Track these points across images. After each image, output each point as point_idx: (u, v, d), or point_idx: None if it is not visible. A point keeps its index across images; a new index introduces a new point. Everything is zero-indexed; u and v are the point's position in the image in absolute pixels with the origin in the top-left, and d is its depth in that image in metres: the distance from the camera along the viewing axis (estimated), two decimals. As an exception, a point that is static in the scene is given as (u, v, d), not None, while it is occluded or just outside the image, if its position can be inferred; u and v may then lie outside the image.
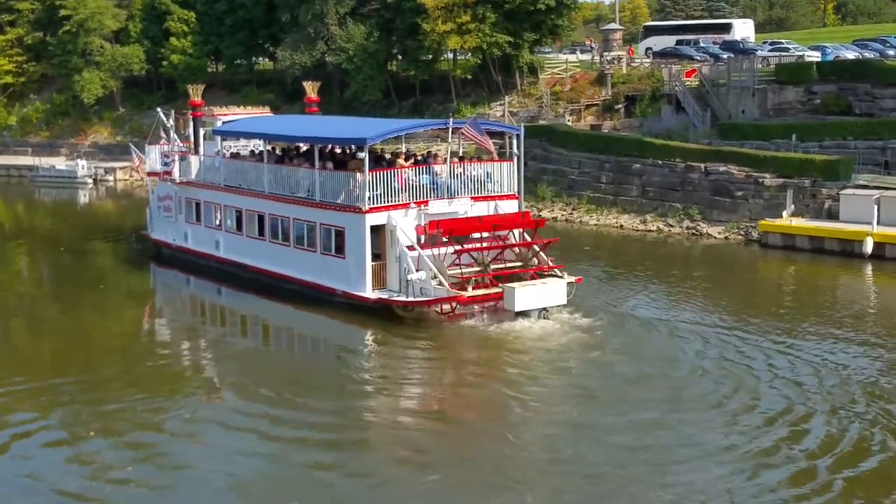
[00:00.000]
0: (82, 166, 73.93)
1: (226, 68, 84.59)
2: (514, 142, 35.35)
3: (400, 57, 72.43)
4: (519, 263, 33.01)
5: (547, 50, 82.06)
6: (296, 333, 33.24)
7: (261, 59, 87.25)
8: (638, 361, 27.30)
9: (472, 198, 34.23)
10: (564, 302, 31.77)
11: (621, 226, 49.01)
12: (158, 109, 48.40)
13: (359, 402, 25.02)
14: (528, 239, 33.52)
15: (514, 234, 33.86)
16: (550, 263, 32.85)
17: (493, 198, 34.66)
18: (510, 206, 34.72)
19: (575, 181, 53.53)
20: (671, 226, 47.38)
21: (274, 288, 36.32)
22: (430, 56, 67.10)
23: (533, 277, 32.18)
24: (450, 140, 35.18)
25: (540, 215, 50.36)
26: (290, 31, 72.96)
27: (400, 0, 66.24)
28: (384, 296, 32.61)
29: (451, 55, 69.86)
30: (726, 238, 44.92)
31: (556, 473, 20.18)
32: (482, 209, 34.05)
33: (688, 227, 46.74)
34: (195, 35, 78.77)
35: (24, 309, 36.44)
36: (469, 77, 68.54)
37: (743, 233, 44.78)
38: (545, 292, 31.29)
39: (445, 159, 35.46)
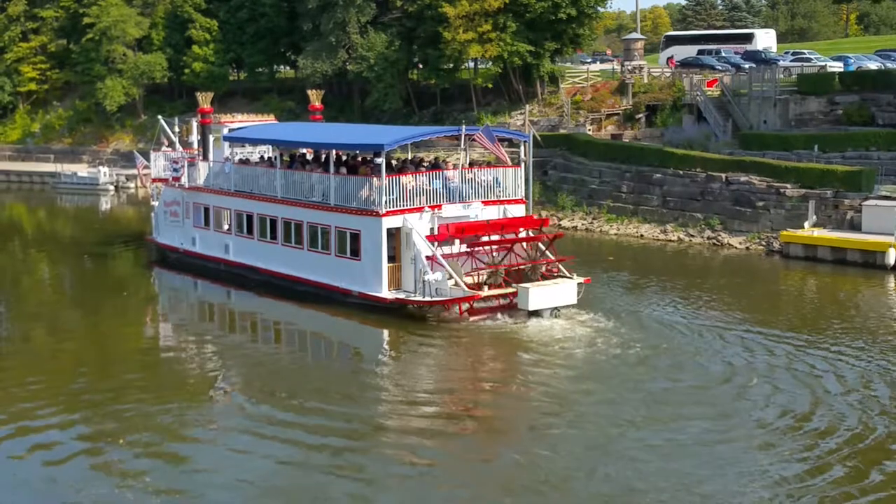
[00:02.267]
0: (104, 173, 74.39)
1: (247, 76, 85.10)
2: (523, 148, 37.37)
3: (421, 66, 72.62)
4: (529, 264, 34.08)
5: (588, 59, 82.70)
6: (315, 336, 33.38)
7: (282, 67, 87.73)
8: (670, 374, 26.97)
9: (483, 202, 35.32)
10: (575, 302, 32.84)
11: (641, 235, 48.88)
12: (160, 117, 49.48)
13: (379, 408, 25.03)
14: (542, 245, 34.59)
15: (523, 235, 34.89)
16: (560, 266, 33.91)
17: (502, 202, 35.88)
18: (518, 211, 36.12)
19: (595, 190, 53.46)
20: (692, 236, 47.21)
21: (287, 290, 36.90)
22: (451, 65, 67.18)
23: (544, 278, 33.29)
24: (462, 146, 36.42)
25: (560, 224, 50.84)
26: (311, 40, 73.25)
27: (421, 9, 66.39)
28: (401, 296, 33.47)
29: (471, 64, 69.96)
30: (747, 248, 44.71)
31: (582, 499, 19.78)
32: (492, 213, 35.25)
33: (708, 238, 46.56)
34: (217, 43, 79.27)
35: (46, 314, 36.64)
36: (490, 86, 68.63)
37: (764, 243, 44.56)
38: (557, 292, 32.45)
39: (456, 165, 36.73)
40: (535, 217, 37.46)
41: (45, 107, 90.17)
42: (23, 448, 22.28)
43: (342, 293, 34.87)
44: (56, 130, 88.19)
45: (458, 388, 26.76)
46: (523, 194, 36.64)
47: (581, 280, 33.31)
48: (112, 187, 74.03)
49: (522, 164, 37.00)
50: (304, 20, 73.30)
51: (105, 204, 69.53)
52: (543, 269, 33.86)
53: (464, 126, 36.11)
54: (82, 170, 77.44)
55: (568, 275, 33.45)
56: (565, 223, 51.99)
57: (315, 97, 46.03)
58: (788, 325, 31.99)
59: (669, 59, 74.42)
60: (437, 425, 23.60)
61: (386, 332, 32.41)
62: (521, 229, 34.81)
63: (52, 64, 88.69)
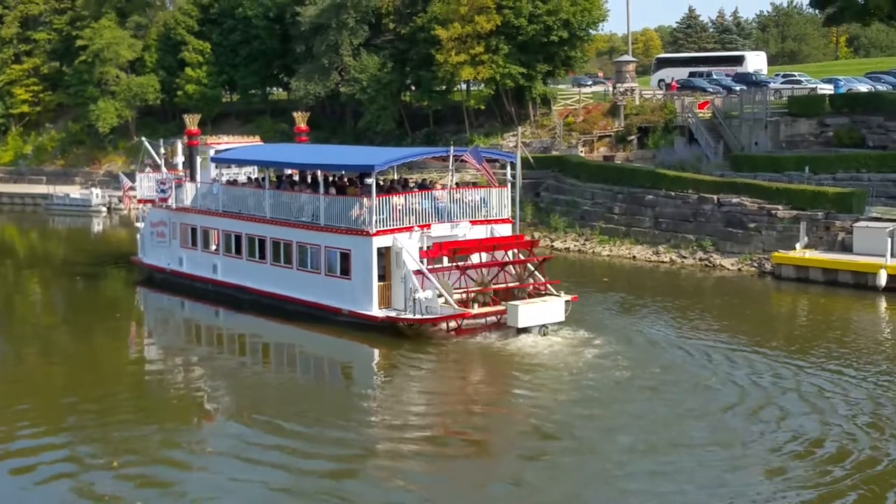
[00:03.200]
0: (96, 195, 74.29)
1: (240, 98, 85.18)
2: (509, 169, 38.25)
3: (413, 87, 72.79)
4: (516, 283, 34.70)
5: (589, 81, 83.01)
6: (307, 355, 33.55)
7: (275, 89, 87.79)
8: (670, 396, 26.82)
9: (470, 221, 35.96)
10: (563, 319, 33.25)
11: (634, 257, 48.94)
12: (143, 139, 50.20)
13: (371, 431, 24.98)
14: (531, 266, 35.16)
15: (509, 255, 35.48)
16: (544, 280, 34.46)
17: (489, 221, 36.48)
18: (505, 230, 36.65)
19: (588, 212, 53.55)
20: (684, 257, 47.28)
21: (276, 309, 37.11)
22: (444, 87, 67.45)
23: (531, 296, 33.87)
24: (450, 167, 36.95)
25: (552, 246, 51.15)
26: (304, 62, 73.43)
27: (414, 31, 66.66)
28: (391, 314, 33.71)
29: (464, 86, 70.14)
30: (739, 270, 44.77)
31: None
32: (480, 232, 35.87)
33: (701, 259, 46.64)
34: (210, 65, 79.39)
35: (38, 335, 36.59)
36: (482, 108, 68.80)
37: (756, 265, 44.63)
38: (545, 310, 32.90)
39: (444, 185, 37.44)
40: (526, 238, 37.85)
41: (38, 129, 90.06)
42: (11, 470, 22.12)
43: (332, 312, 35.20)
44: (48, 152, 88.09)
45: (451, 410, 26.66)
46: (510, 214, 37.25)
47: (568, 298, 33.79)
48: (104, 209, 73.92)
49: (509, 185, 37.58)
50: (297, 42, 73.50)
51: (97, 225, 69.44)
52: (531, 287, 34.40)
53: (452, 147, 36.82)
54: (75, 191, 77.28)
55: (555, 293, 33.94)
56: (558, 244, 52.06)
57: (300, 119, 46.99)
58: (785, 345, 31.98)
59: (668, 81, 74.29)
60: (430, 449, 23.51)
61: (377, 351, 32.63)
62: (513, 250, 35.31)
63: (45, 86, 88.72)
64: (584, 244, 51.81)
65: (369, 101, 69.07)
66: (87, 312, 40.33)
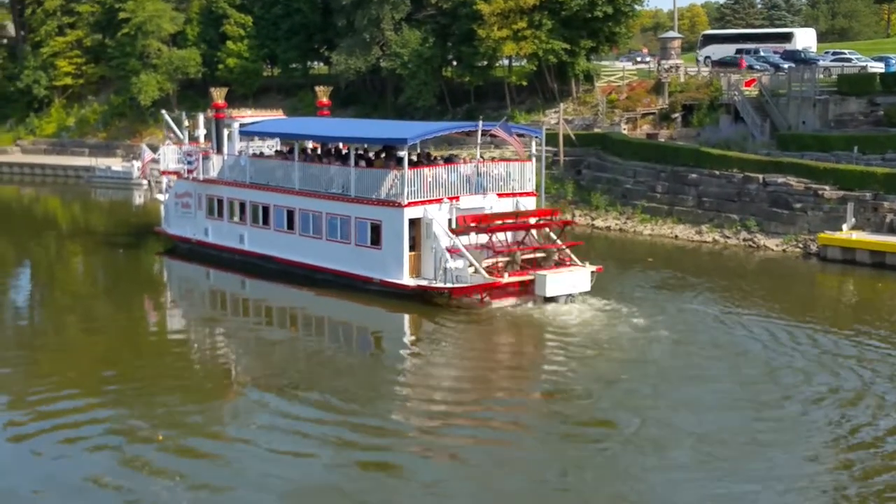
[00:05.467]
0: (138, 167, 74.45)
1: (281, 72, 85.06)
2: (534, 144, 38.70)
3: (455, 63, 72.25)
4: (542, 254, 35.35)
5: (647, 58, 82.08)
6: (344, 325, 33.98)
7: (316, 63, 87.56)
8: (723, 379, 26.20)
9: (497, 194, 36.72)
10: (588, 289, 33.87)
11: (676, 236, 48.24)
12: (164, 112, 51.52)
13: (407, 405, 24.92)
14: (553, 235, 36.08)
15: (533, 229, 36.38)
16: (572, 256, 35.11)
17: (515, 194, 37.19)
18: (530, 203, 37.51)
19: (630, 190, 52.88)
20: (727, 237, 46.53)
21: (305, 278, 37.79)
22: (485, 62, 66.81)
23: (557, 265, 34.69)
24: (478, 141, 38.14)
25: (593, 224, 50.75)
26: (345, 36, 73.06)
27: (456, 6, 66.05)
28: (422, 283, 34.46)
29: (506, 62, 69.48)
30: (784, 251, 43.99)
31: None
32: (506, 205, 36.60)
33: (744, 239, 45.87)
34: (251, 39, 79.31)
35: (78, 306, 36.83)
36: (524, 84, 68.13)
37: (801, 246, 43.83)
38: (572, 279, 33.68)
39: (470, 159, 38.64)
40: (559, 213, 38.12)
41: (81, 101, 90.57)
42: (54, 442, 22.08)
43: (363, 281, 35.87)
44: (91, 125, 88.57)
45: (491, 386, 26.42)
46: (534, 187, 37.90)
47: (594, 268, 34.38)
48: (145, 182, 74.09)
49: (534, 159, 38.16)
50: (339, 16, 73.09)
51: (138, 198, 69.80)
52: (556, 256, 35.21)
53: (481, 121, 37.81)
54: (116, 164, 77.71)
55: (580, 263, 34.68)
56: (599, 223, 51.54)
57: (322, 93, 47.69)
58: (837, 328, 31.25)
59: (741, 58, 72.72)
60: (472, 424, 23.28)
61: (408, 320, 33.16)
62: (542, 229, 36.06)
63: (88, 58, 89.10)
64: (625, 223, 51.18)
65: (410, 77, 68.61)
66: (126, 282, 40.84)
